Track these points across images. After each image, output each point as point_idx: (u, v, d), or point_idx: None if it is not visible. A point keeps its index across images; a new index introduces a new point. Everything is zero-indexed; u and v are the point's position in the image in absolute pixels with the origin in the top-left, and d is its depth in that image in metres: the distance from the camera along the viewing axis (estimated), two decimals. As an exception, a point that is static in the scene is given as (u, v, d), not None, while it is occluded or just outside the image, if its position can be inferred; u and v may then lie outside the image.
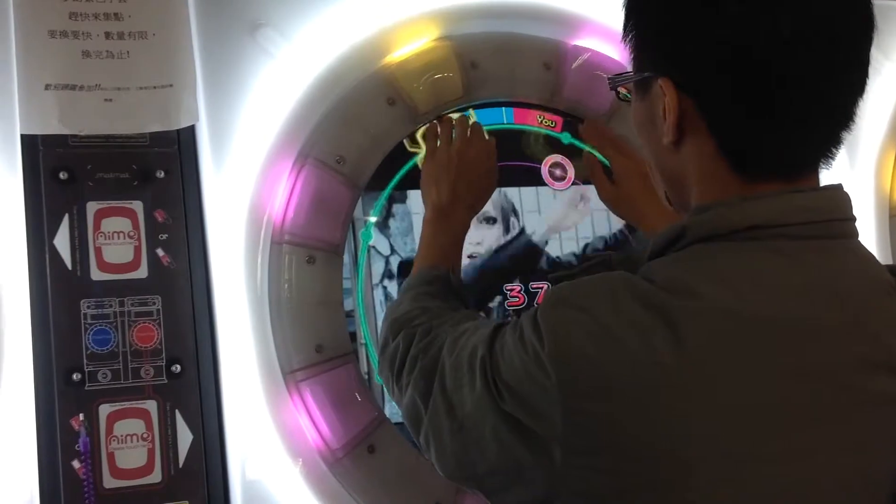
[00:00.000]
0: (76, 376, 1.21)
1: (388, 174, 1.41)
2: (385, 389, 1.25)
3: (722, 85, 0.74)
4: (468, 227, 1.19)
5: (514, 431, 0.78)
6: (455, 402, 0.84)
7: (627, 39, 0.82)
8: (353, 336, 1.35)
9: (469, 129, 1.23)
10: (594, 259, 0.91)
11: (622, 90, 0.88)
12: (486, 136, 1.24)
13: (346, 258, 1.36)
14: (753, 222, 0.74)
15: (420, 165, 1.27)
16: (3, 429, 1.18)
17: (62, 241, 1.24)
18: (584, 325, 0.73)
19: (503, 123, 1.50)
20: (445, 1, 1.46)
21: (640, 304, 0.72)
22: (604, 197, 1.23)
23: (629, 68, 0.85)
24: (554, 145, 1.53)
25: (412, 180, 1.39)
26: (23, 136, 1.24)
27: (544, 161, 1.52)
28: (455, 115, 1.38)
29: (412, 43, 1.45)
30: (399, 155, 1.42)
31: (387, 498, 1.30)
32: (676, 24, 0.76)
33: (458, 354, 0.87)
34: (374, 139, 1.40)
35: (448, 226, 1.17)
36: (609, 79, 0.88)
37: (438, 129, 1.26)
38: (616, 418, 0.71)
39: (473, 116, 1.43)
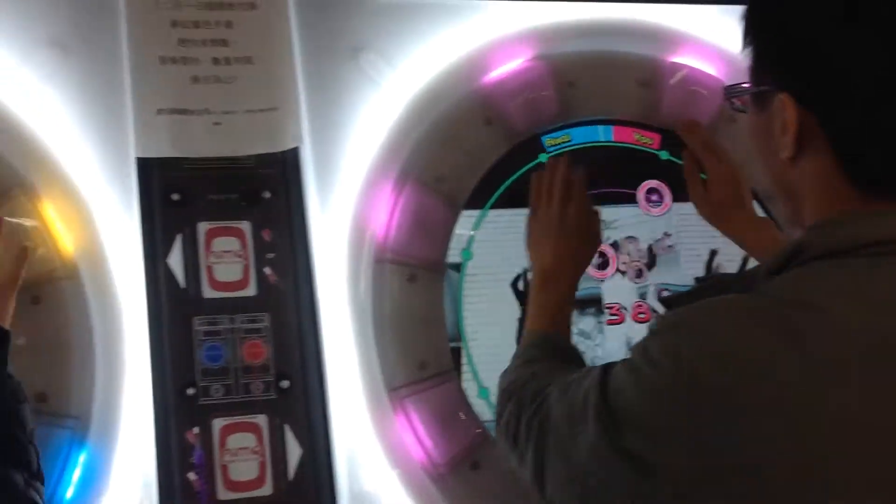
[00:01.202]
0: (190, 391, 1.42)
1: (486, 193, 1.62)
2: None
3: (848, 103, 0.83)
4: (575, 287, 1.31)
5: (631, 466, 0.87)
6: (570, 450, 0.94)
7: (746, 52, 0.93)
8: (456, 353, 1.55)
9: (571, 189, 1.32)
10: (708, 280, 1.06)
11: (737, 101, 1.04)
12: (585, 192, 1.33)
13: (447, 276, 1.57)
14: (878, 238, 0.81)
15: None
16: (126, 446, 1.40)
17: (175, 260, 1.46)
18: (704, 348, 0.83)
19: (600, 141, 1.70)
20: (541, 21, 1.67)
21: (762, 323, 0.80)
22: (695, 199, 1.35)
23: (727, 82, 1.01)
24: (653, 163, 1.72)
25: (509, 199, 1.60)
26: (138, 160, 1.47)
27: (640, 186, 1.71)
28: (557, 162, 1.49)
29: (509, 63, 1.66)
30: (498, 173, 1.63)
31: (492, 515, 1.48)
32: (801, 42, 0.86)
33: (569, 405, 0.98)
34: (472, 158, 1.61)
35: (554, 288, 1.28)
36: (725, 88, 1.03)
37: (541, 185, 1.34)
38: (742, 444, 0.78)
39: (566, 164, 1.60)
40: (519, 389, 1.11)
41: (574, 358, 1.20)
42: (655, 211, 1.69)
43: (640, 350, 0.88)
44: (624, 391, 0.88)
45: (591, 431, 0.91)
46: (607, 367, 0.93)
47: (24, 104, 1.43)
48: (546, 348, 1.20)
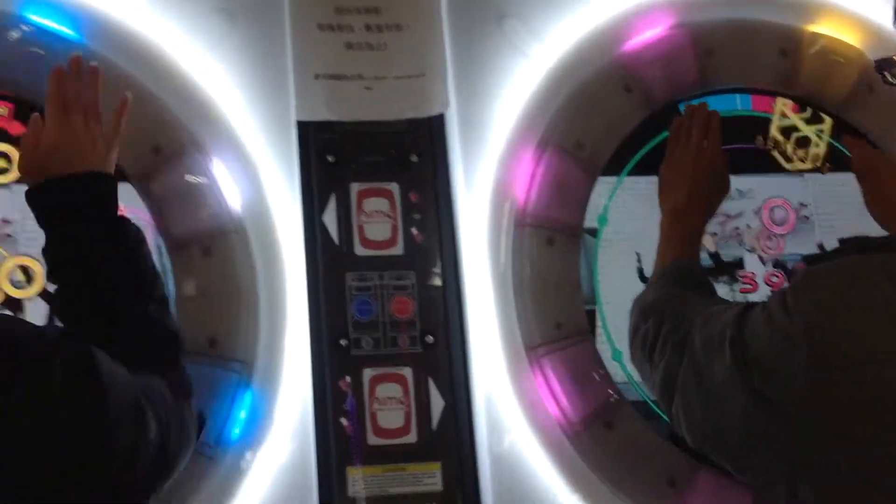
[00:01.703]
0: (343, 342, 1.61)
1: (624, 159, 1.76)
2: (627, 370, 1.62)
3: None
4: (704, 226, 1.48)
5: (760, 406, 1.05)
6: (705, 376, 1.13)
7: None
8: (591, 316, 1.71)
9: (706, 135, 1.50)
10: (851, 241, 1.21)
11: (888, 75, 1.15)
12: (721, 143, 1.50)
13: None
14: None
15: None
16: (286, 391, 1.61)
17: (330, 218, 1.64)
18: (835, 302, 0.98)
19: (738, 110, 1.83)
20: (682, -11, 1.80)
21: (892, 278, 0.94)
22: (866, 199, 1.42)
23: (868, 52, 1.12)
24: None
25: (646, 166, 1.74)
26: (298, 123, 1.65)
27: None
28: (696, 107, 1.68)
29: (649, 31, 1.79)
30: (635, 140, 1.77)
31: (622, 472, 1.64)
32: None
33: (708, 332, 1.15)
34: (611, 125, 1.75)
35: (686, 224, 1.46)
36: (876, 62, 1.16)
37: (679, 130, 1.53)
38: (864, 389, 0.93)
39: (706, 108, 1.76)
40: (659, 309, 1.29)
41: (706, 286, 1.37)
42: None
43: (779, 299, 1.04)
44: (758, 334, 1.05)
45: (724, 363, 1.08)
46: (747, 307, 1.11)
47: (195, 69, 1.61)
48: (681, 275, 1.38)
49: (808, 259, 1.30)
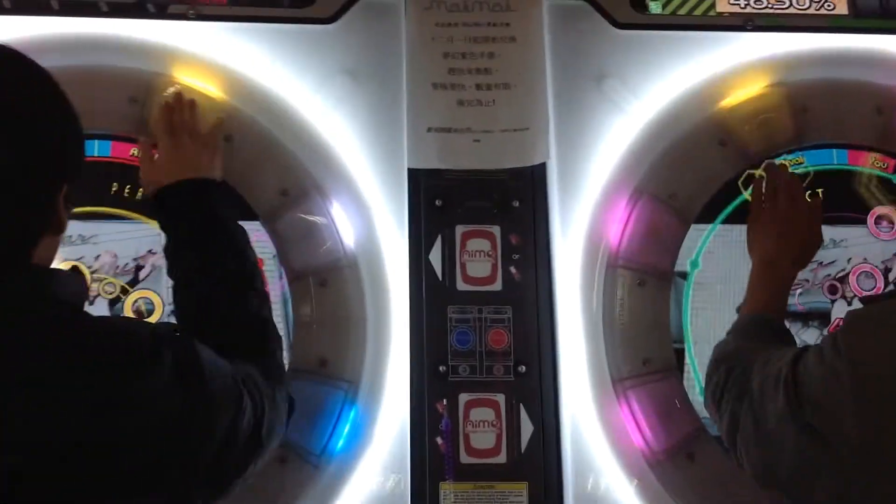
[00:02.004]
0: (442, 369, 1.83)
1: (717, 208, 1.92)
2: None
3: None
4: (793, 279, 1.64)
5: (812, 441, 1.20)
6: (760, 418, 1.29)
7: None
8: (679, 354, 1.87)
9: (790, 188, 1.66)
10: None
11: None
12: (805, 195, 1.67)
13: (675, 284, 1.89)
14: None
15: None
16: (386, 410, 1.83)
17: (435, 257, 1.87)
18: (880, 339, 1.12)
19: (834, 164, 1.96)
20: (778, 49, 1.97)
21: None
22: None
23: None
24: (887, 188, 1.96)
25: (740, 215, 1.89)
26: (409, 171, 1.91)
27: (871, 212, 1.95)
28: (780, 166, 1.85)
29: (745, 89, 1.97)
30: (728, 192, 1.93)
31: (702, 503, 1.78)
32: None
33: (765, 373, 1.31)
34: (706, 177, 1.92)
35: (773, 277, 1.62)
36: None
37: (763, 186, 1.70)
38: None
39: (786, 167, 1.92)
40: (730, 359, 1.46)
41: (783, 337, 1.51)
42: (885, 235, 1.93)
43: (830, 338, 1.20)
44: (810, 370, 1.21)
45: (779, 402, 1.25)
46: (803, 349, 1.27)
47: (321, 123, 1.90)
48: (758, 327, 1.53)
49: (864, 300, 1.45)
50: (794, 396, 1.23)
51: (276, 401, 1.40)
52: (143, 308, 1.79)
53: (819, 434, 1.20)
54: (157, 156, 1.64)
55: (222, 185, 1.64)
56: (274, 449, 1.41)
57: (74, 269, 1.23)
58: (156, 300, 1.79)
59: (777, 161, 1.86)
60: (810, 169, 1.93)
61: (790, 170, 1.73)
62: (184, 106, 1.70)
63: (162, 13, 1.89)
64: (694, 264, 1.88)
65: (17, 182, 1.10)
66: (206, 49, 1.89)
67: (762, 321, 1.56)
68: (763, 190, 1.70)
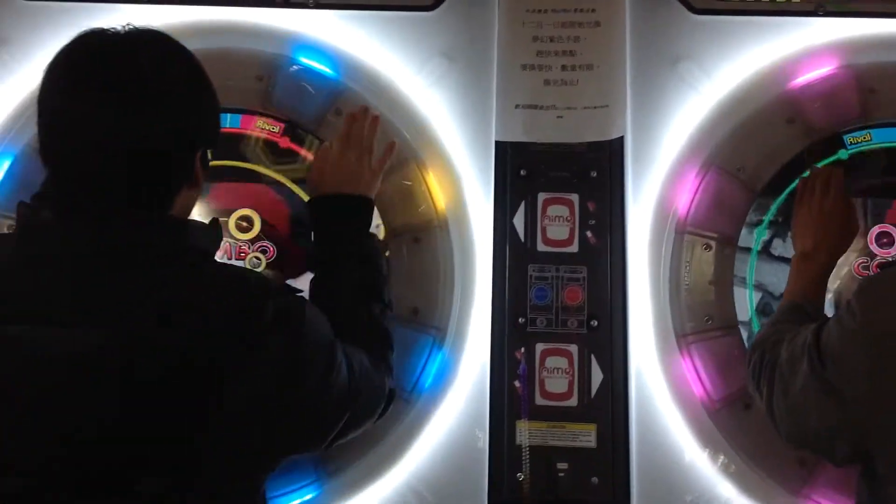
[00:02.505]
0: (521, 320, 2.03)
1: (782, 183, 2.07)
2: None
3: None
4: (831, 268, 1.79)
5: (830, 396, 1.38)
6: (789, 384, 1.47)
7: None
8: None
9: (828, 185, 1.82)
10: None
11: None
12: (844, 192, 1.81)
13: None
14: None
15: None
16: (469, 355, 2.05)
17: (518, 221, 2.07)
18: (893, 302, 1.31)
19: (899, 141, 2.08)
20: (846, 34, 2.10)
21: None
22: None
23: None
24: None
25: (804, 188, 2.03)
26: (497, 143, 2.12)
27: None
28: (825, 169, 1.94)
29: (814, 71, 2.11)
30: (794, 166, 2.07)
31: (757, 449, 1.91)
32: None
33: (793, 348, 1.49)
34: (772, 152, 2.07)
35: (810, 268, 1.78)
36: None
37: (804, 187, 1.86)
38: None
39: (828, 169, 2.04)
40: (763, 342, 1.64)
41: (816, 321, 1.63)
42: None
43: (846, 303, 1.40)
44: (829, 334, 1.40)
45: (804, 366, 1.44)
46: (825, 320, 1.46)
47: (420, 100, 2.12)
48: (793, 313, 1.70)
49: (881, 266, 1.62)
50: (817, 359, 1.42)
51: (377, 384, 1.62)
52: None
53: (838, 392, 1.38)
54: (329, 161, 1.85)
55: (372, 204, 1.84)
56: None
57: (213, 221, 1.48)
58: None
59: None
60: (875, 146, 2.03)
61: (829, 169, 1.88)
62: (365, 121, 1.87)
63: (286, 2, 2.15)
64: (761, 232, 2.03)
65: (164, 143, 1.35)
66: (322, 33, 2.13)
67: (797, 307, 1.73)
68: (804, 188, 1.85)
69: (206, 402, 1.31)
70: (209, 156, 1.46)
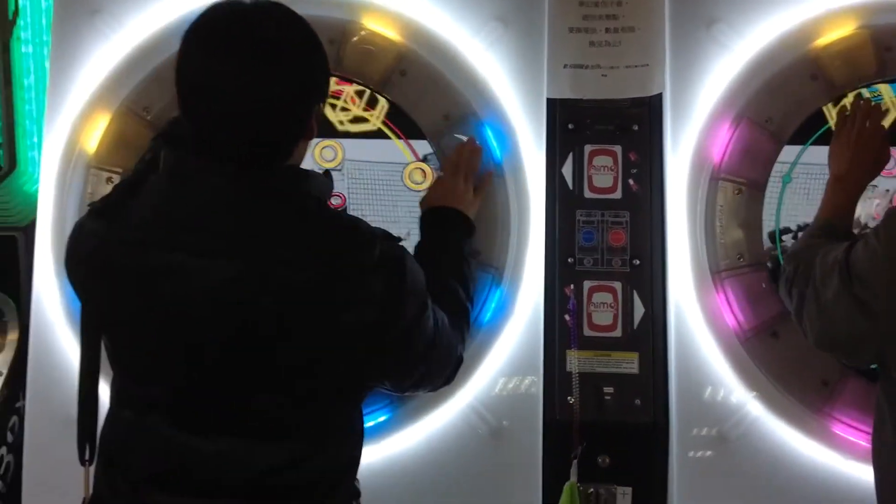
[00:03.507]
0: (570, 260, 2.26)
1: (806, 133, 2.28)
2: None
3: None
4: (861, 191, 1.99)
5: (858, 308, 1.59)
6: (821, 295, 1.69)
7: None
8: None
9: (868, 116, 2.01)
10: None
11: None
12: (881, 122, 2.01)
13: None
14: None
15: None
16: (524, 292, 2.28)
17: (567, 171, 2.29)
18: None
19: (913, 94, 2.29)
20: (865, -2, 2.30)
21: None
22: None
23: None
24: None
25: (824, 139, 2.24)
26: (548, 100, 2.33)
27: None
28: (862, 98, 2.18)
29: (835, 31, 2.31)
30: (816, 119, 2.28)
31: (784, 372, 2.15)
32: None
33: (824, 263, 1.70)
34: (798, 105, 2.27)
35: (844, 188, 1.98)
36: None
37: (846, 113, 2.05)
38: None
39: (869, 101, 2.25)
40: (797, 255, 1.86)
41: (846, 238, 1.85)
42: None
43: (874, 227, 1.62)
44: (858, 254, 1.62)
45: (835, 281, 1.65)
46: (854, 240, 1.67)
47: (478, 60, 2.33)
48: (825, 229, 1.90)
49: None
50: (847, 275, 1.63)
51: (453, 342, 1.80)
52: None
53: (864, 304, 1.60)
54: (440, 182, 2.14)
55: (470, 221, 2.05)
56: None
57: (326, 172, 1.70)
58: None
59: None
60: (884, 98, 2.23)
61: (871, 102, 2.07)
62: (472, 153, 2.17)
63: (354, -27, 2.36)
64: (787, 178, 2.25)
65: (285, 100, 1.54)
66: (387, 1, 2.34)
67: (829, 225, 1.93)
68: (845, 115, 2.05)
69: (318, 327, 1.53)
70: (321, 110, 1.66)
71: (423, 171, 2.30)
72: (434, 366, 1.75)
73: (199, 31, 1.54)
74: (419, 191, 2.26)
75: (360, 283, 1.53)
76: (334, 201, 2.28)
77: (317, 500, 1.61)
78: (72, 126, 2.34)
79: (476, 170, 2.15)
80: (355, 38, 2.31)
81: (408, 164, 2.31)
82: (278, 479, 1.56)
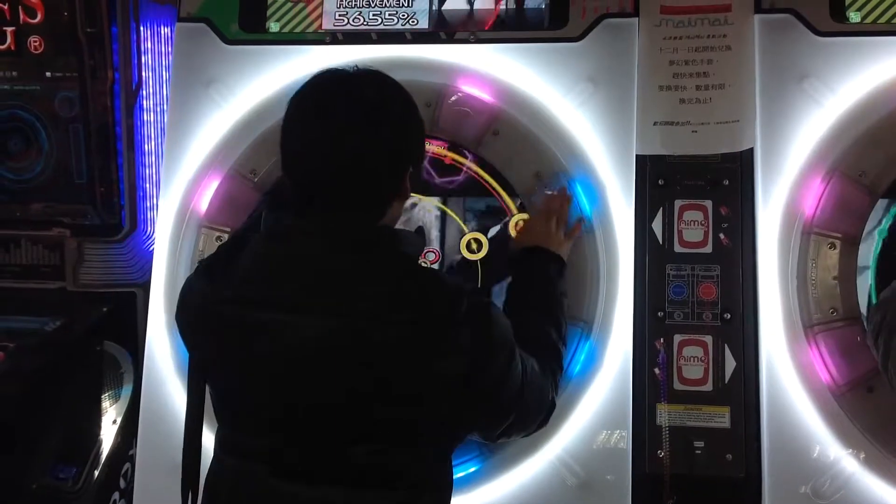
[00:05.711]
0: (660, 314, 2.27)
1: (904, 186, 2.25)
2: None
3: None
4: None
5: None
6: None
7: None
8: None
9: None
10: None
11: None
12: None
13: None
14: None
15: None
16: (613, 345, 2.29)
17: (657, 225, 2.31)
18: None
19: None
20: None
21: None
22: None
23: None
24: None
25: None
26: (637, 156, 2.37)
27: None
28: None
29: (932, 83, 2.28)
30: (914, 171, 2.25)
31: (880, 428, 2.09)
32: None
33: None
34: (892, 159, 2.25)
35: None
36: None
37: None
38: None
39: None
40: (885, 304, 1.86)
41: None
42: None
43: None
44: None
45: None
46: None
47: (569, 120, 2.39)
48: None
49: None
50: None
51: (544, 389, 1.86)
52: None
53: None
54: (535, 225, 2.20)
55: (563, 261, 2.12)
56: None
57: (419, 229, 1.78)
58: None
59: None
60: None
61: None
62: (564, 200, 2.23)
63: (451, 39, 2.46)
64: (882, 232, 2.21)
65: (382, 161, 1.64)
66: (481, 64, 2.43)
67: None
68: None
69: (410, 380, 1.59)
70: (416, 172, 1.74)
71: (480, 241, 2.36)
72: (524, 413, 1.80)
73: (303, 94, 1.65)
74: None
75: (450, 335, 1.59)
76: (429, 256, 2.34)
77: None
78: (185, 188, 2.47)
79: (566, 214, 2.21)
80: (450, 101, 2.37)
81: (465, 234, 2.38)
82: None
